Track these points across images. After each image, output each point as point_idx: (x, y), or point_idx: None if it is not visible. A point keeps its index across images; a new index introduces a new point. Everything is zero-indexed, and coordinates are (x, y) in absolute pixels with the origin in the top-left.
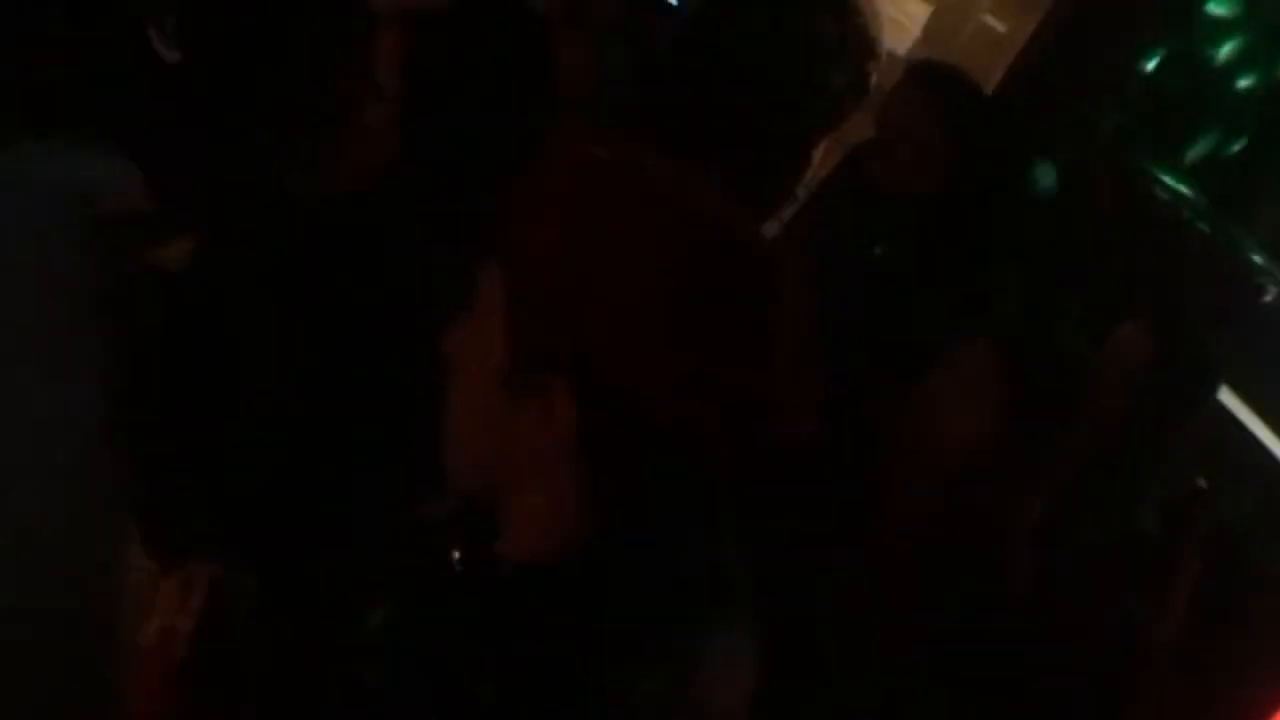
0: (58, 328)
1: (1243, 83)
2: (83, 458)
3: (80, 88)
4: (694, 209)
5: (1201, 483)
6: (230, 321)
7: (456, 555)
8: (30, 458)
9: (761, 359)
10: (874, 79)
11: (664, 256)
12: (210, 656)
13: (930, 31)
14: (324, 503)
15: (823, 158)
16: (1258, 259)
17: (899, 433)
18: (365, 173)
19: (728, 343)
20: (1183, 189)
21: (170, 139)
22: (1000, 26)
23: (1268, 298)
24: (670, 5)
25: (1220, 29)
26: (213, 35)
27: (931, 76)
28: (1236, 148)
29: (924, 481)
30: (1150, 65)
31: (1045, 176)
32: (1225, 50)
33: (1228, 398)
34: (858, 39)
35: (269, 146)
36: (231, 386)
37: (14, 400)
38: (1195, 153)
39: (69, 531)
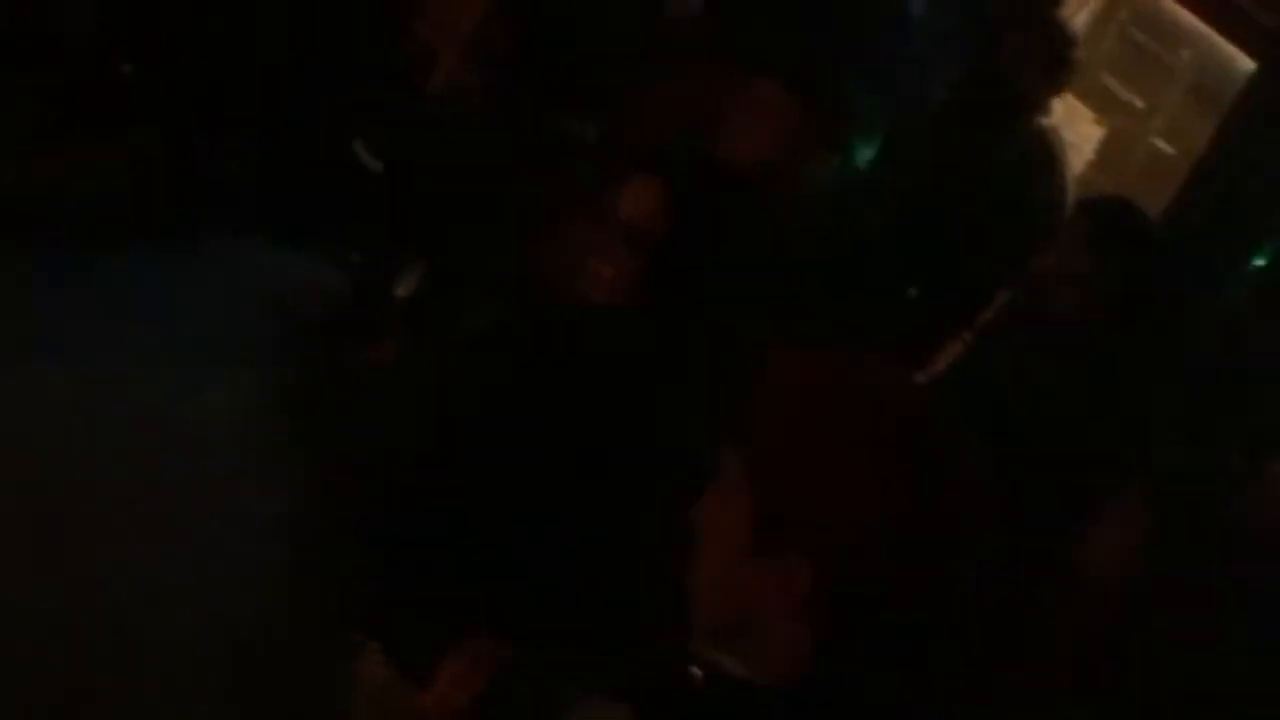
0: (264, 429)
1: None
2: (304, 567)
3: (283, 192)
4: (897, 402)
5: None
6: (452, 427)
7: (698, 671)
8: (250, 567)
9: (967, 532)
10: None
11: (880, 451)
12: None
13: (1103, 154)
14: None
15: None
16: None
17: (1059, 564)
18: (590, 299)
19: (937, 519)
20: None
21: (372, 245)
22: (1170, 150)
23: None
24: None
25: None
26: (416, 151)
27: (1100, 212)
28: None
29: (1081, 610)
30: None
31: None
32: None
33: None
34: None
35: (470, 257)
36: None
37: (225, 506)
38: None
39: (289, 643)
